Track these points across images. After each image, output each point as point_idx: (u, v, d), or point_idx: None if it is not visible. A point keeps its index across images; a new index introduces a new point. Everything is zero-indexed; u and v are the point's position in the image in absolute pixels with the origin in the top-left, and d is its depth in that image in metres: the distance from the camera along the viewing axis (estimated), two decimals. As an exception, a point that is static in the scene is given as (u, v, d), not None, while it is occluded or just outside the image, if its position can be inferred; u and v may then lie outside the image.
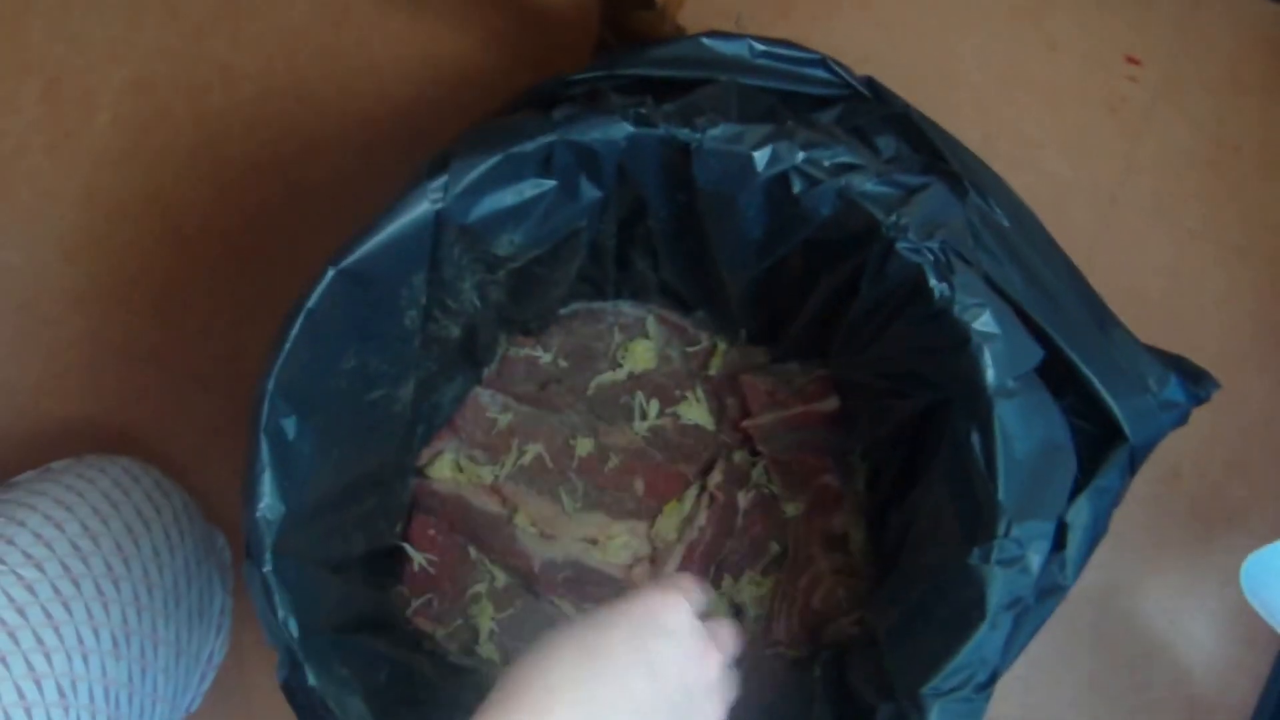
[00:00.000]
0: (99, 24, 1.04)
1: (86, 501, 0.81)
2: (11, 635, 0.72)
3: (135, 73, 1.04)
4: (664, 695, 0.58)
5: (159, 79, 1.03)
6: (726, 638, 0.64)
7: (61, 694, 0.73)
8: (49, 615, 0.74)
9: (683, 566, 0.86)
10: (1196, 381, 0.76)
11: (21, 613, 0.73)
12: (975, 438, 0.66)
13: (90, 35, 1.04)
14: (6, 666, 0.71)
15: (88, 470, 0.85)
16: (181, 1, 1.04)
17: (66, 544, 0.78)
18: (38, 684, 0.72)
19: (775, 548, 0.87)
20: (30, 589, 0.74)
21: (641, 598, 0.61)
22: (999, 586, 0.65)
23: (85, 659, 0.75)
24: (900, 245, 0.67)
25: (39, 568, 0.76)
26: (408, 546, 0.87)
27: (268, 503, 0.68)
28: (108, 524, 0.81)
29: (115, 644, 0.77)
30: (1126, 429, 0.73)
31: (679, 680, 0.59)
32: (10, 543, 0.76)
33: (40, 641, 0.73)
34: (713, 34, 0.77)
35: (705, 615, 0.65)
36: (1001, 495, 0.65)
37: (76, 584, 0.76)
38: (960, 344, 0.67)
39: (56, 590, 0.75)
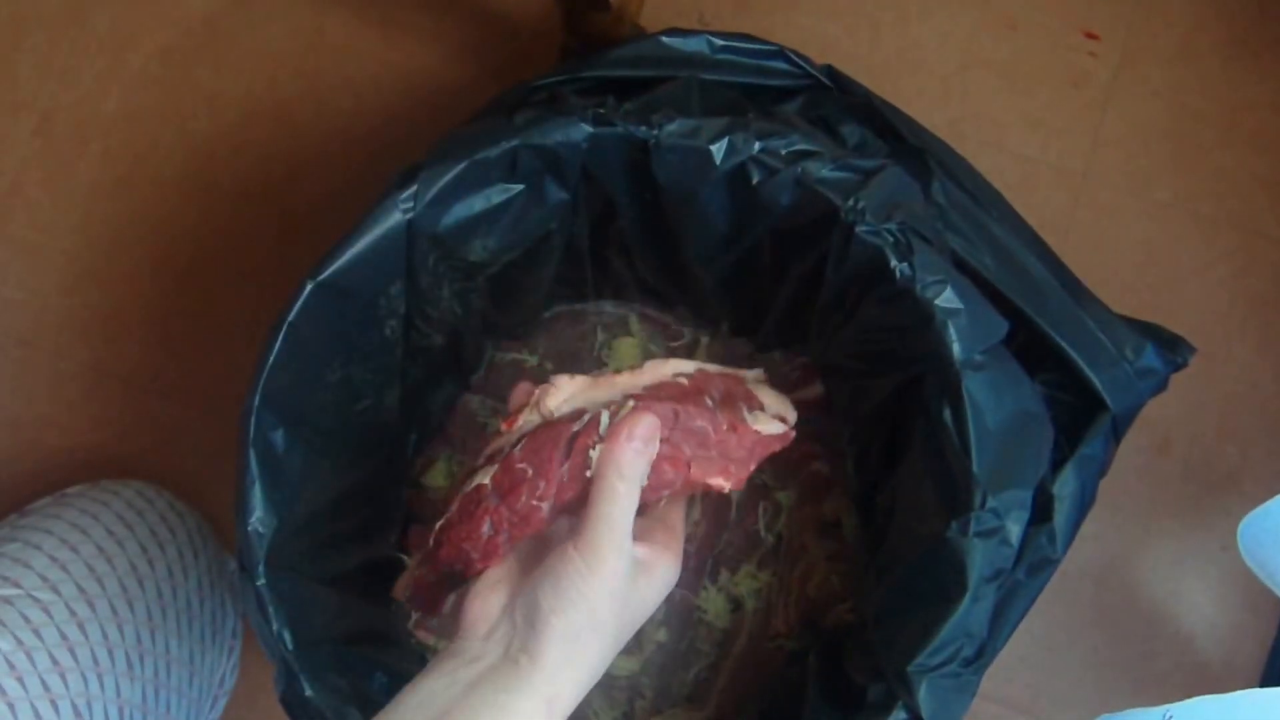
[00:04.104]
0: (86, 58, 1.06)
1: (101, 524, 0.82)
2: (28, 655, 0.73)
3: (124, 104, 1.06)
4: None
5: (147, 109, 1.05)
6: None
7: (77, 714, 0.74)
8: (64, 636, 0.75)
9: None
10: (1172, 348, 0.77)
11: (37, 633, 0.74)
12: (947, 412, 0.67)
13: (78, 70, 1.06)
14: (24, 687, 0.72)
15: (101, 494, 0.86)
16: (164, 31, 1.06)
17: (82, 566, 0.79)
18: (54, 705, 0.73)
19: (769, 538, 0.88)
20: (46, 610, 0.75)
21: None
22: (979, 559, 0.65)
23: (100, 679, 0.76)
24: (860, 229, 0.68)
25: (54, 590, 0.77)
26: (405, 558, 0.87)
27: (259, 516, 0.69)
28: (123, 546, 0.82)
29: (130, 665, 0.78)
30: (1106, 398, 0.74)
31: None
32: (27, 566, 0.78)
33: (56, 662, 0.74)
34: (672, 32, 0.77)
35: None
36: (976, 467, 0.65)
37: (91, 605, 0.77)
38: (925, 321, 0.67)
39: (72, 612, 0.76)
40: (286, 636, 0.69)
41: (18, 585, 0.76)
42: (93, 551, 0.80)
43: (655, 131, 0.69)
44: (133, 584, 0.81)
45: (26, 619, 0.74)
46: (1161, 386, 0.77)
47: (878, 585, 0.74)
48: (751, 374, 0.72)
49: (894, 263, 0.68)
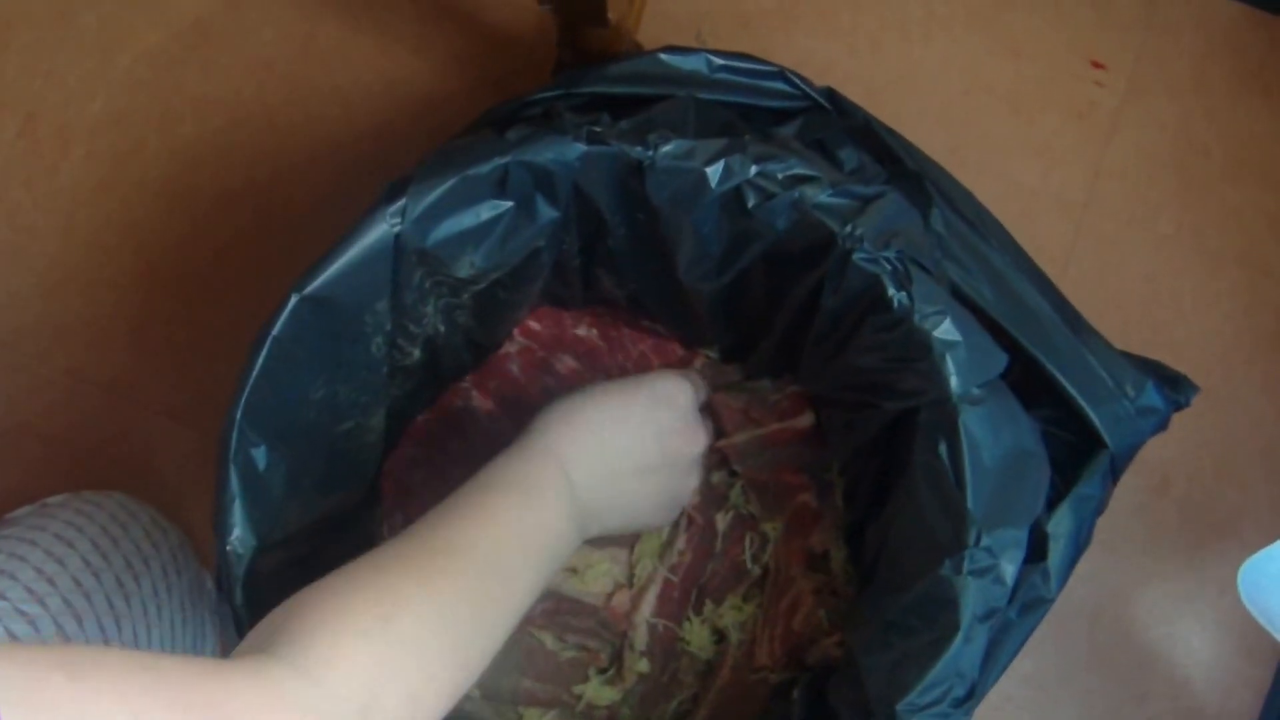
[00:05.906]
0: (73, 59, 1.05)
1: (87, 536, 0.81)
2: None
3: (109, 106, 1.04)
4: (664, 458, 0.76)
5: (133, 112, 1.04)
6: (708, 428, 0.81)
7: None
8: None
9: (663, 592, 0.85)
10: (1174, 386, 0.75)
11: None
12: (942, 447, 0.65)
13: (64, 70, 1.05)
14: None
15: (85, 505, 0.84)
16: (153, 33, 1.05)
17: (69, 579, 0.77)
18: None
19: (755, 570, 0.86)
20: (33, 624, 0.73)
21: (659, 377, 0.78)
22: (972, 597, 0.64)
23: None
24: (857, 256, 0.66)
25: (41, 603, 0.75)
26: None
27: (238, 535, 0.68)
28: (109, 560, 0.80)
29: None
30: (1105, 436, 0.73)
31: (676, 449, 0.77)
32: (12, 578, 0.76)
33: None
34: (670, 49, 0.76)
35: (702, 408, 0.82)
36: (971, 504, 0.64)
37: (79, 619, 0.76)
38: (923, 353, 0.66)
39: (59, 626, 0.74)
40: (262, 659, 0.67)
41: (3, 598, 0.74)
42: (79, 565, 0.78)
43: (650, 152, 0.68)
44: (119, 600, 0.79)
45: (13, 635, 0.73)
46: (1162, 425, 0.75)
47: (867, 620, 0.73)
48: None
49: (891, 291, 0.67)
